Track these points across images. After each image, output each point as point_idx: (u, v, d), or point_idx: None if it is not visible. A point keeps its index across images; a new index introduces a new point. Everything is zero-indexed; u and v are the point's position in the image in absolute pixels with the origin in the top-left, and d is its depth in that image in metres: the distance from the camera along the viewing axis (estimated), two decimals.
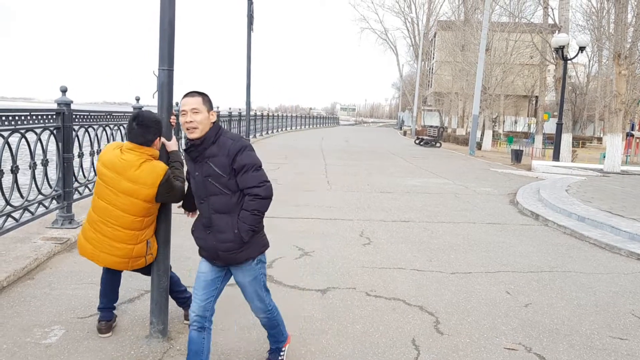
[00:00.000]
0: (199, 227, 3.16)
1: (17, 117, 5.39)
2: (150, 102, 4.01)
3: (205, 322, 3.11)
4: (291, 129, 43.89)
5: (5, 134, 5.19)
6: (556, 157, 19.17)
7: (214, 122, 3.08)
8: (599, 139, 42.53)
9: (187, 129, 3.01)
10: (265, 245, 3.21)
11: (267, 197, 3.00)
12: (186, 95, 3.08)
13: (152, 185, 3.37)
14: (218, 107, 18.84)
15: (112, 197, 3.44)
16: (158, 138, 3.53)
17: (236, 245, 3.02)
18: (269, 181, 3.03)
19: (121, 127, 8.27)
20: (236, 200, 3.01)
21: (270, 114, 38.98)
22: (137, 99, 9.11)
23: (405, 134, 51.25)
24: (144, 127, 3.44)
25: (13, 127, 5.31)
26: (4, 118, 5.18)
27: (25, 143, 5.60)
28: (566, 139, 20.71)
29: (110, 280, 3.86)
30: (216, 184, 2.99)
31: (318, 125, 58.86)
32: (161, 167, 3.43)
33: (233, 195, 3.00)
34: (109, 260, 3.53)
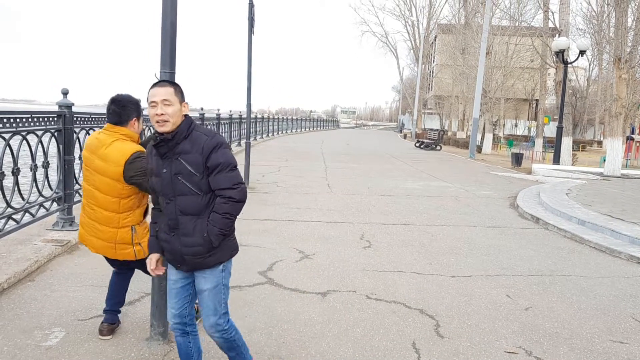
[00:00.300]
0: (164, 229, 2.91)
1: (18, 120, 5.41)
2: None
3: (187, 327, 3.02)
4: (291, 131, 43.93)
5: (7, 136, 5.22)
6: (556, 160, 19.18)
7: (185, 115, 2.82)
8: (599, 143, 42.56)
9: (157, 122, 2.73)
10: (236, 248, 2.98)
11: (241, 201, 2.78)
12: (155, 85, 2.82)
13: (118, 163, 3.41)
14: (219, 110, 18.72)
15: (90, 177, 3.55)
16: (135, 119, 3.60)
17: (204, 249, 2.81)
18: (243, 183, 2.83)
19: None
20: (207, 202, 2.79)
21: (271, 116, 39.04)
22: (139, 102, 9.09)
23: (405, 137, 51.28)
24: (120, 107, 3.55)
25: (14, 129, 5.33)
26: (5, 120, 5.20)
27: (27, 145, 5.61)
28: (566, 142, 20.73)
29: (117, 283, 3.88)
30: (186, 183, 2.75)
31: (318, 128, 58.90)
32: (130, 147, 3.47)
33: (204, 196, 2.78)
34: (97, 244, 3.59)
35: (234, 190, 2.76)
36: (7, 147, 5.22)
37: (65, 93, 6.30)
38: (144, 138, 3.78)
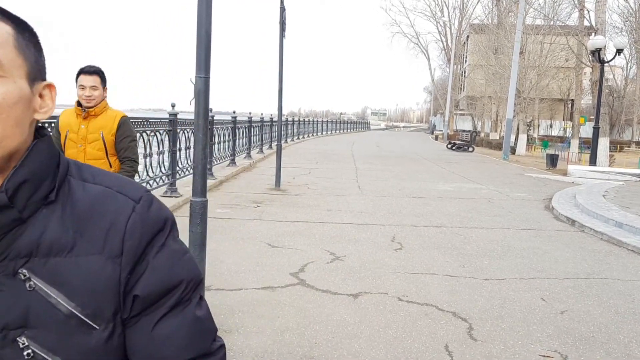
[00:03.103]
0: None
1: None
2: (186, 108, 4.11)
3: None
4: (322, 133, 44.02)
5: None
6: (593, 161, 18.75)
7: None
8: (638, 143, 41.39)
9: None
10: None
11: None
12: None
13: None
14: (250, 113, 18.61)
15: None
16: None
17: None
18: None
19: (157, 133, 8.93)
20: None
21: (301, 119, 39.21)
22: (173, 106, 9.43)
23: (437, 138, 50.85)
24: None
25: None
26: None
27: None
28: (603, 143, 20.23)
29: None
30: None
31: (349, 130, 58.88)
32: None
33: None
34: None
35: None
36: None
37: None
38: None
